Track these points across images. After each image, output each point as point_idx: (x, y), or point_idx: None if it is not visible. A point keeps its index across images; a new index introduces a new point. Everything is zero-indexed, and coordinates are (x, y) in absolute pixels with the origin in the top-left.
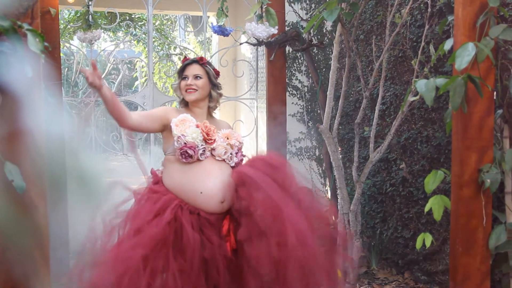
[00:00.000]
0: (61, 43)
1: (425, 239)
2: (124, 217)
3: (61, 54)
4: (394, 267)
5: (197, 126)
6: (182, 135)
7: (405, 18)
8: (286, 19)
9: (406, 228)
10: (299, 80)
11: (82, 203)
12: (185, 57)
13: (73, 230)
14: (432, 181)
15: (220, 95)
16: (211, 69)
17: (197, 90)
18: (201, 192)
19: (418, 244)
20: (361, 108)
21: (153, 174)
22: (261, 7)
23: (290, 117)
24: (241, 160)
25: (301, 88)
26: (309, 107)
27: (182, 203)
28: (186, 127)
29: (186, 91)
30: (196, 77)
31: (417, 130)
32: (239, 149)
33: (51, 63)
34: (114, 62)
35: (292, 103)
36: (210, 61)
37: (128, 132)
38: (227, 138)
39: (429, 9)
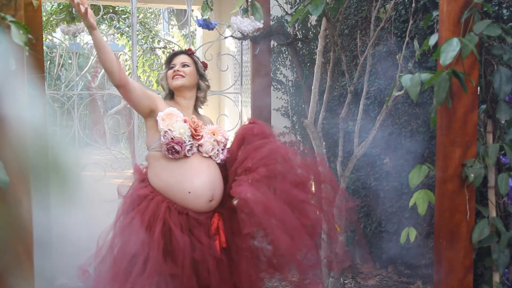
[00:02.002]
0: (43, 35)
1: (409, 234)
2: (112, 233)
3: (44, 47)
4: (378, 261)
5: (185, 121)
6: (169, 129)
7: (389, 13)
8: (271, 13)
9: (390, 223)
10: (284, 74)
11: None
12: (173, 50)
13: (56, 225)
14: (416, 175)
15: (208, 86)
16: (199, 61)
17: (184, 76)
18: (189, 192)
19: (403, 239)
20: (346, 102)
21: (137, 170)
22: (247, 1)
23: (275, 111)
24: (227, 157)
25: (285, 83)
26: (294, 101)
27: (170, 203)
28: (173, 121)
29: (173, 77)
30: (184, 65)
31: (401, 125)
32: (225, 146)
33: (34, 55)
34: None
35: (277, 97)
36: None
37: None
38: (213, 134)
39: (413, 5)
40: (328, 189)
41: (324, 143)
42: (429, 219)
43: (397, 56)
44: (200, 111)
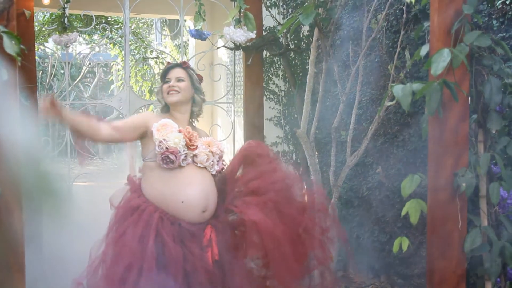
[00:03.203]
0: (35, 45)
1: (402, 243)
2: (105, 245)
3: (36, 57)
4: (371, 271)
5: (180, 131)
6: (164, 139)
7: (381, 24)
8: (263, 23)
9: (383, 232)
10: (276, 84)
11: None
12: (168, 62)
13: (48, 236)
14: (408, 185)
15: (203, 100)
16: (194, 74)
17: (179, 92)
18: (182, 202)
19: (395, 248)
20: (338, 112)
21: (130, 181)
22: (240, 12)
23: (267, 121)
24: (222, 168)
25: (278, 93)
26: (286, 111)
27: (162, 213)
28: (168, 131)
29: (168, 93)
30: (179, 79)
31: (393, 134)
32: (220, 158)
33: (26, 65)
34: (89, 65)
35: (269, 107)
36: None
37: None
38: (209, 146)
39: (404, 15)
40: (322, 218)
41: (316, 153)
42: (421, 228)
43: (389, 66)
44: (196, 123)
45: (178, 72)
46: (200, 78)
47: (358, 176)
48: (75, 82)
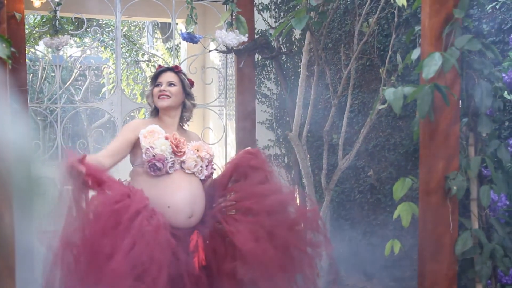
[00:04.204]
0: (26, 48)
1: (393, 246)
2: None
3: (26, 60)
4: (363, 274)
5: (166, 138)
6: (151, 147)
7: (372, 28)
8: (255, 27)
9: (374, 235)
10: (268, 87)
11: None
12: (159, 65)
13: (38, 239)
14: (400, 188)
15: (194, 105)
16: (186, 78)
17: (170, 96)
18: (168, 207)
19: (387, 251)
20: (330, 115)
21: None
22: (232, 15)
23: (259, 124)
24: (211, 173)
25: (270, 96)
26: (278, 114)
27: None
28: (155, 138)
29: (158, 97)
30: (170, 84)
31: (384, 137)
32: (209, 162)
33: (17, 68)
34: (81, 68)
35: (261, 110)
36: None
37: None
38: (197, 151)
39: (395, 19)
40: (314, 236)
41: (308, 156)
42: (413, 231)
43: (380, 70)
44: (186, 127)
45: (169, 76)
46: (192, 83)
47: (350, 179)
48: (66, 85)
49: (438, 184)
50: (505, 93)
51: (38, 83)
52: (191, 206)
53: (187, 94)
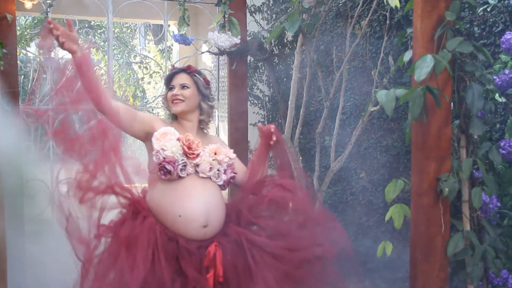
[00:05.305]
0: (18, 50)
1: (386, 247)
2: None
3: (18, 61)
4: (354, 275)
5: (178, 139)
6: (162, 149)
7: (364, 30)
8: (247, 28)
9: (366, 237)
10: (260, 89)
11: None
12: (173, 66)
13: (30, 242)
14: (392, 190)
15: (211, 107)
16: (201, 79)
17: (183, 100)
18: (179, 215)
19: (379, 252)
20: (322, 117)
21: (143, 193)
22: (224, 17)
23: (252, 126)
24: (232, 177)
25: (262, 98)
26: (270, 116)
27: (161, 228)
28: (167, 140)
29: (172, 102)
30: (183, 86)
31: (376, 139)
32: (229, 166)
33: (8, 70)
34: (72, 70)
35: (254, 112)
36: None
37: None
38: (215, 154)
39: (387, 21)
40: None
41: (300, 158)
42: (405, 232)
43: (372, 72)
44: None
45: (182, 78)
46: (207, 83)
47: (342, 181)
48: (58, 87)
49: (430, 186)
50: (496, 95)
51: (29, 85)
52: (204, 215)
53: (203, 96)
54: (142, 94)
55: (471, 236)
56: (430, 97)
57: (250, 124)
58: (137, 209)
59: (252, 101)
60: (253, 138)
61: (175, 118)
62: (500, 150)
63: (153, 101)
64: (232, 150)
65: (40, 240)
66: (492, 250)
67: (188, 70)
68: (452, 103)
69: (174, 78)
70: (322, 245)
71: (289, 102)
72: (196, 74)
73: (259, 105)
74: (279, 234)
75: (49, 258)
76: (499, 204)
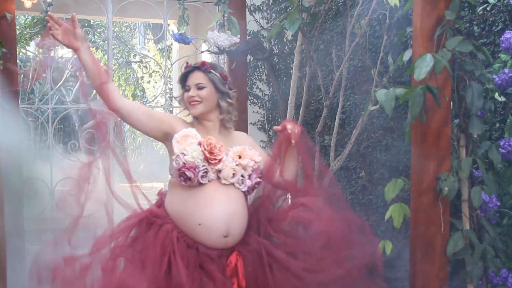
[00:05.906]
0: (17, 49)
1: (385, 246)
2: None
3: (17, 61)
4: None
5: (199, 143)
6: (182, 153)
7: (364, 29)
8: (247, 28)
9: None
10: (260, 88)
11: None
12: (186, 63)
13: (30, 242)
14: (392, 189)
15: (231, 104)
16: (217, 75)
17: (201, 102)
18: (199, 224)
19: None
20: (322, 117)
21: (160, 195)
22: (223, 16)
23: (251, 125)
24: (257, 183)
25: (262, 97)
26: (270, 115)
27: (180, 234)
28: (188, 144)
29: (189, 104)
30: (199, 86)
31: (376, 139)
32: (254, 170)
33: (8, 69)
34: (72, 69)
35: (253, 111)
36: (214, 63)
37: (88, 139)
38: (239, 157)
39: (387, 21)
40: None
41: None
42: (404, 232)
43: (372, 71)
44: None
45: (197, 78)
46: (225, 78)
47: (342, 180)
48: (57, 86)
49: (429, 185)
50: (496, 94)
51: (29, 84)
52: (225, 224)
53: (221, 93)
54: (141, 93)
55: (470, 235)
56: (429, 96)
57: (249, 123)
58: (151, 220)
59: (251, 100)
60: (253, 137)
61: (197, 117)
62: (499, 149)
63: (153, 100)
64: (258, 152)
65: (40, 239)
66: (491, 249)
67: (203, 68)
68: (451, 102)
69: (188, 77)
70: (344, 266)
71: (289, 101)
72: (212, 71)
73: (259, 104)
74: (299, 253)
75: (48, 258)
76: (498, 203)
